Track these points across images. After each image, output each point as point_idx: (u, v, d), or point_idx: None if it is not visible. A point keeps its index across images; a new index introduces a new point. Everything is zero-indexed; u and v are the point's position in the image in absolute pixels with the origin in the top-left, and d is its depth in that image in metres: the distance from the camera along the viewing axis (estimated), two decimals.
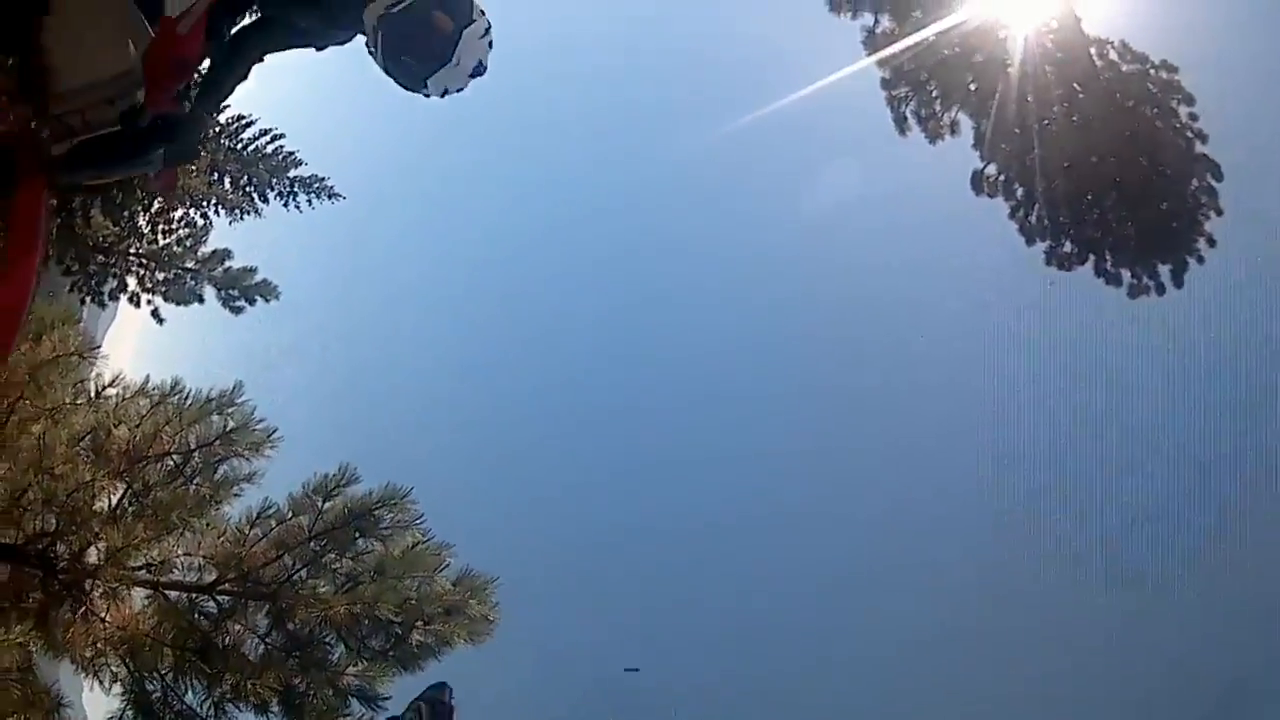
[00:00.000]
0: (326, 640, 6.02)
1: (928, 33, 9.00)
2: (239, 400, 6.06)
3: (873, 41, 9.24)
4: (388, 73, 2.83)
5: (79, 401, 6.30)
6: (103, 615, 6.37)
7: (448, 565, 5.91)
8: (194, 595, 6.30)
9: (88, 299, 10.05)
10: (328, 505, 5.87)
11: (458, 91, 2.89)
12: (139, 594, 6.49)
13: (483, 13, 2.86)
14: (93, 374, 6.38)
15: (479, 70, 2.88)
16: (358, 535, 5.86)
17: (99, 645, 6.38)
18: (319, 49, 3.08)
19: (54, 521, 6.49)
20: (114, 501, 6.33)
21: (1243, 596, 26.46)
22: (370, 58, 2.86)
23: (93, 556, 6.43)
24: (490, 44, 2.85)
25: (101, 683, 6.60)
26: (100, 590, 6.42)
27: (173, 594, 6.37)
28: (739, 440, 39.73)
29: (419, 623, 5.84)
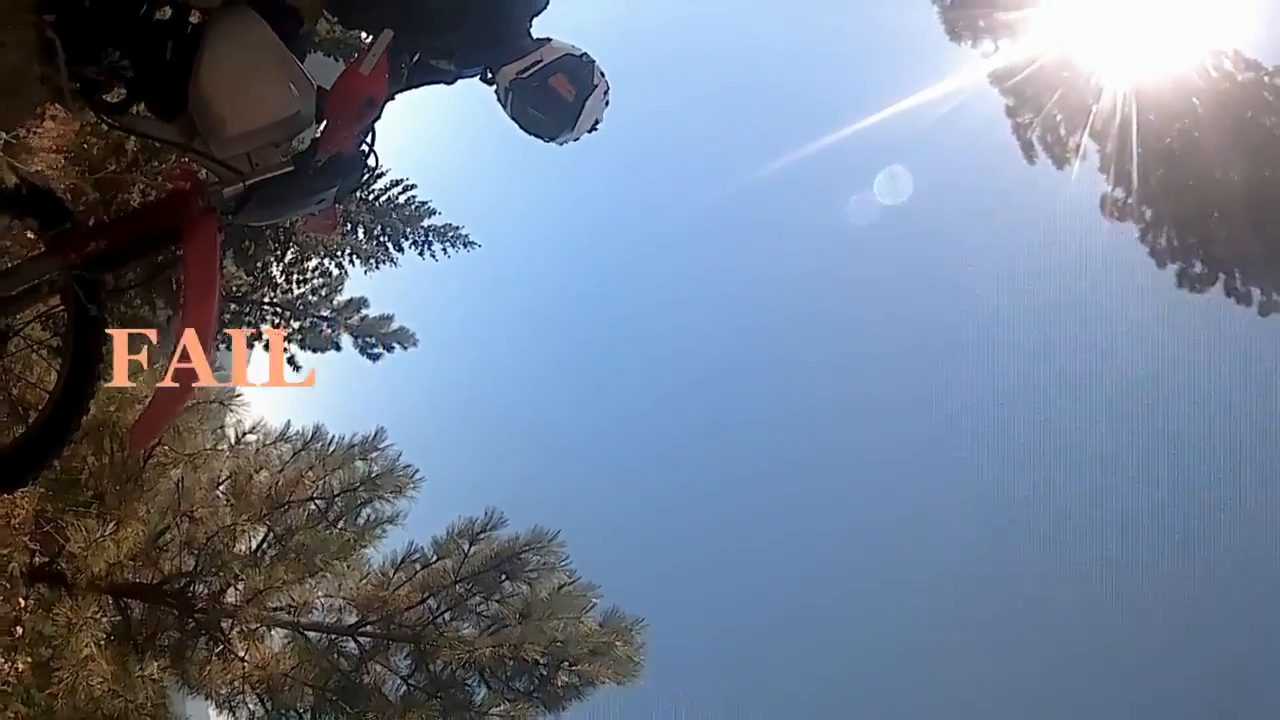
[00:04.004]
0: (469, 682, 6.06)
1: (1046, 56, 8.90)
2: (381, 445, 6.12)
3: (993, 67, 9.17)
4: (516, 122, 3.05)
5: (219, 447, 6.41)
6: (241, 654, 6.49)
7: (594, 606, 5.93)
8: (335, 636, 6.38)
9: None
10: (473, 549, 5.91)
11: (574, 140, 3.16)
12: (278, 634, 6.60)
13: (603, 74, 3.05)
14: (232, 420, 6.47)
15: (594, 128, 3.11)
16: (504, 578, 5.89)
17: (236, 683, 6.50)
18: (448, 84, 3.17)
19: (192, 562, 6.61)
20: (255, 544, 6.43)
21: None
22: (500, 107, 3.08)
23: (231, 597, 6.54)
24: (607, 102, 3.08)
25: (237, 719, 6.72)
26: (239, 630, 6.54)
27: (313, 635, 6.46)
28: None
29: (564, 664, 5.85)
